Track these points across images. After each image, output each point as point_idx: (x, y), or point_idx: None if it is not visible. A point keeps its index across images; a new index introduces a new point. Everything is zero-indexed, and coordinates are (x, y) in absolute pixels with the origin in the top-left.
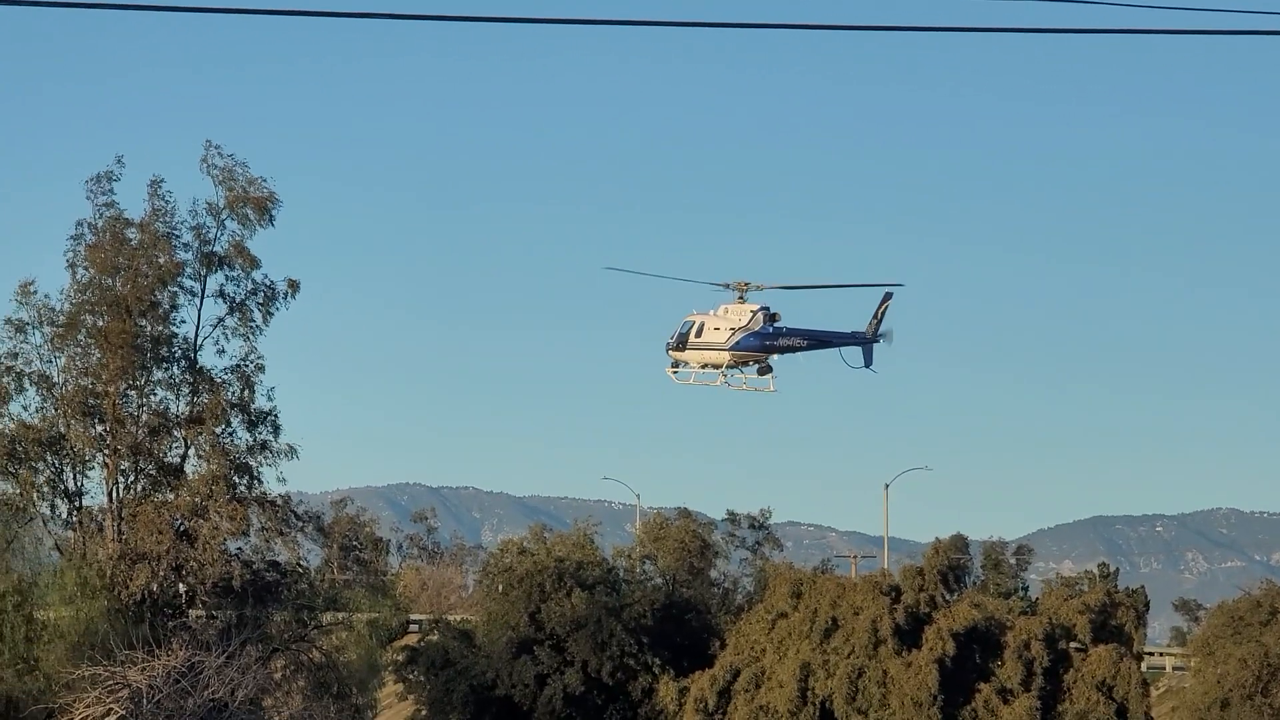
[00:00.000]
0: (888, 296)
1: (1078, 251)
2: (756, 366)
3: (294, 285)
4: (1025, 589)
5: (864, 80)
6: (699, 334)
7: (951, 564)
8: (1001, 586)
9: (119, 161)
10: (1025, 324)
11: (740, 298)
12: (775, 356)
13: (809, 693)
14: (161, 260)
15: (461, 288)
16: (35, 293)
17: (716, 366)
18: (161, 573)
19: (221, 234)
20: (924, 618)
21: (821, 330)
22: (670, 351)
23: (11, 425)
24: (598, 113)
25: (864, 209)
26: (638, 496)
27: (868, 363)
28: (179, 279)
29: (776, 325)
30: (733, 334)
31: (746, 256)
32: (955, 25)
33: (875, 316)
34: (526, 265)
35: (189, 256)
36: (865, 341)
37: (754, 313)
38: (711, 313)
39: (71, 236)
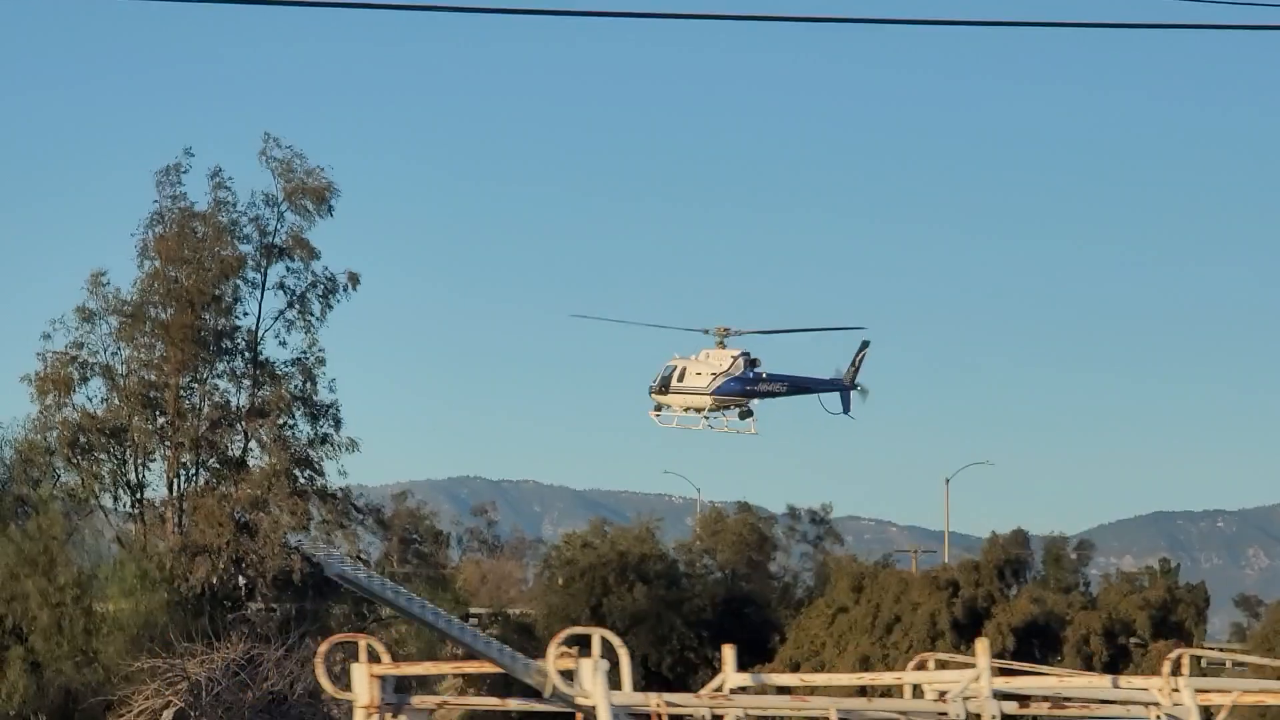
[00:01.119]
0: (864, 345)
1: (1142, 241)
2: (738, 410)
3: (354, 278)
4: (1086, 584)
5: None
6: (681, 378)
7: (1010, 558)
8: (1062, 581)
9: (187, 153)
10: (1087, 318)
11: (721, 343)
12: (756, 401)
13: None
14: (225, 253)
15: (523, 280)
16: (106, 283)
17: (699, 410)
18: (222, 565)
19: (281, 225)
20: (983, 612)
21: (801, 376)
22: (653, 395)
23: (76, 415)
24: (667, 104)
25: (906, 196)
26: (698, 490)
27: (845, 409)
28: (241, 273)
29: (757, 370)
30: (714, 379)
31: (732, 298)
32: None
33: (853, 364)
34: (589, 256)
35: (249, 249)
36: (843, 388)
37: (735, 358)
38: (693, 357)
39: (144, 226)
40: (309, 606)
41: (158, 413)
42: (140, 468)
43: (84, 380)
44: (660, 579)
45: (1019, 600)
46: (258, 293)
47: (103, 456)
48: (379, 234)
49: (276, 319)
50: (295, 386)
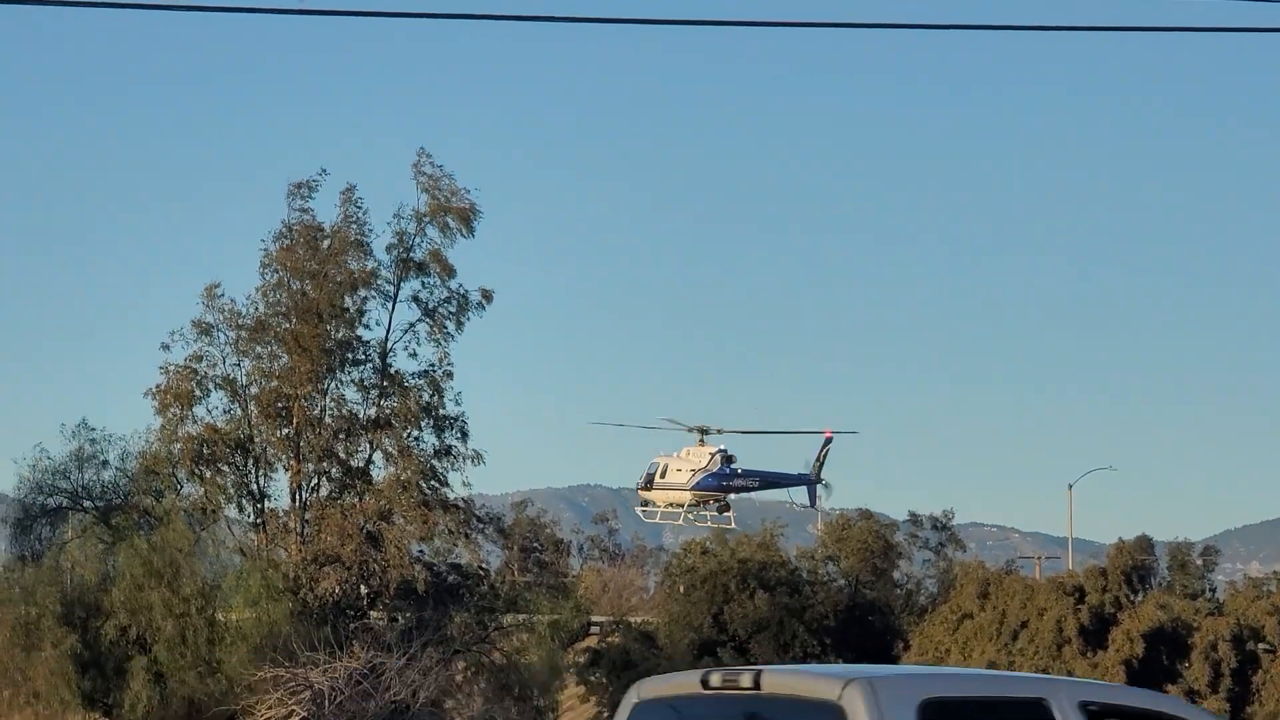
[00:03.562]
0: (828, 441)
1: (1257, 240)
2: (716, 505)
3: (488, 295)
4: (1212, 590)
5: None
6: (663, 475)
7: (1136, 564)
8: (1188, 588)
9: (322, 172)
10: (1209, 320)
11: (700, 440)
12: (732, 496)
13: None
14: (353, 266)
15: (641, 292)
16: (221, 295)
17: (679, 505)
18: (347, 576)
19: (422, 241)
20: (1109, 618)
21: (771, 472)
22: (640, 491)
23: (197, 429)
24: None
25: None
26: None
27: (811, 502)
28: (371, 285)
29: (733, 467)
30: (694, 474)
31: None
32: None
33: (818, 460)
34: (699, 273)
35: (378, 262)
36: (810, 482)
37: (712, 455)
38: (675, 455)
39: (273, 237)
40: (429, 615)
41: (283, 423)
42: (263, 478)
43: (205, 393)
44: (782, 586)
45: (1145, 607)
46: (388, 305)
47: (225, 468)
48: (513, 243)
49: (406, 331)
50: (422, 398)
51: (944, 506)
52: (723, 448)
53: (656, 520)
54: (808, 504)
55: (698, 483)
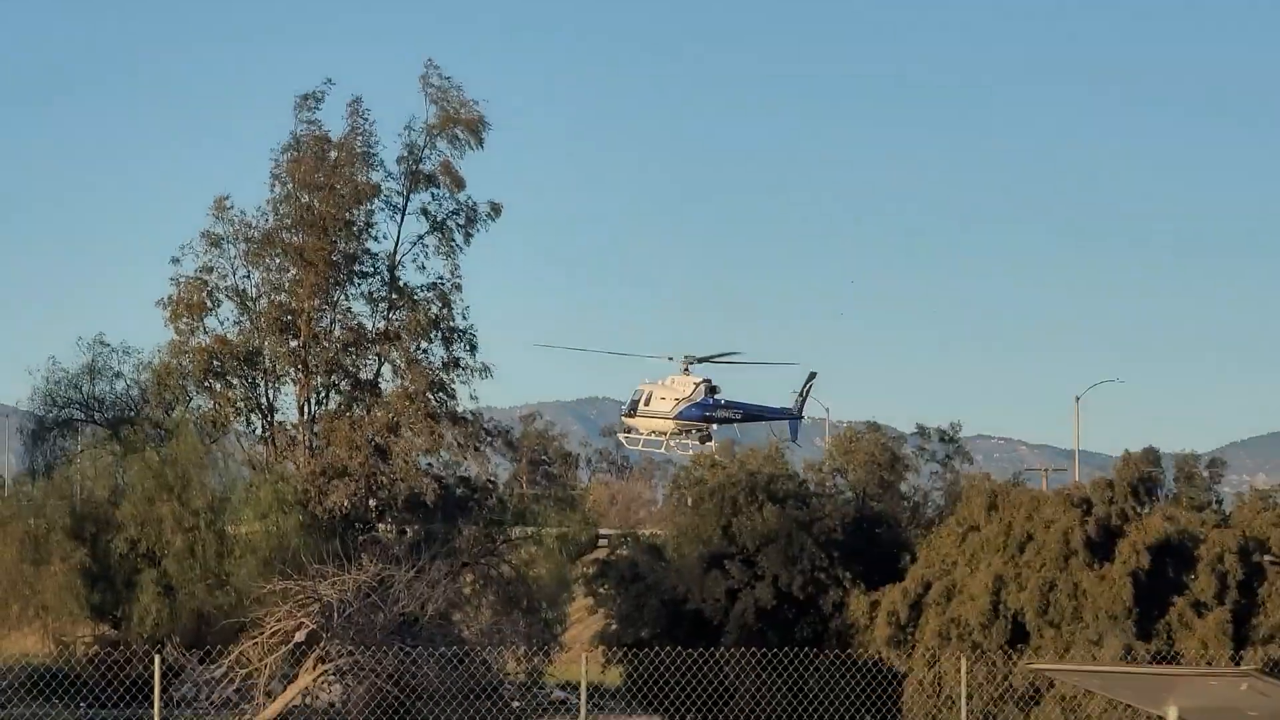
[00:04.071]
0: (812, 376)
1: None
2: (699, 435)
3: (496, 208)
4: (1219, 502)
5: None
6: (648, 403)
7: (1142, 477)
8: (1194, 500)
9: (328, 83)
10: (1218, 232)
11: (685, 370)
12: (715, 426)
13: (1001, 605)
14: (358, 179)
15: (650, 207)
16: (231, 207)
17: (662, 434)
18: (356, 489)
19: (432, 153)
20: (1116, 531)
21: (755, 405)
22: (624, 418)
23: (208, 340)
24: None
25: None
26: (827, 410)
27: (793, 437)
28: (377, 197)
29: (716, 398)
30: (678, 404)
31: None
32: None
33: (801, 394)
34: (715, 187)
35: (385, 174)
36: (793, 417)
37: (697, 385)
38: (659, 383)
39: (281, 149)
40: (438, 528)
41: (290, 336)
42: (272, 391)
43: (216, 305)
44: (790, 499)
45: (1152, 519)
46: (396, 217)
47: (235, 381)
48: (524, 157)
49: (415, 244)
50: (431, 311)
51: (951, 419)
52: (707, 378)
53: (639, 448)
54: (790, 439)
55: (681, 412)
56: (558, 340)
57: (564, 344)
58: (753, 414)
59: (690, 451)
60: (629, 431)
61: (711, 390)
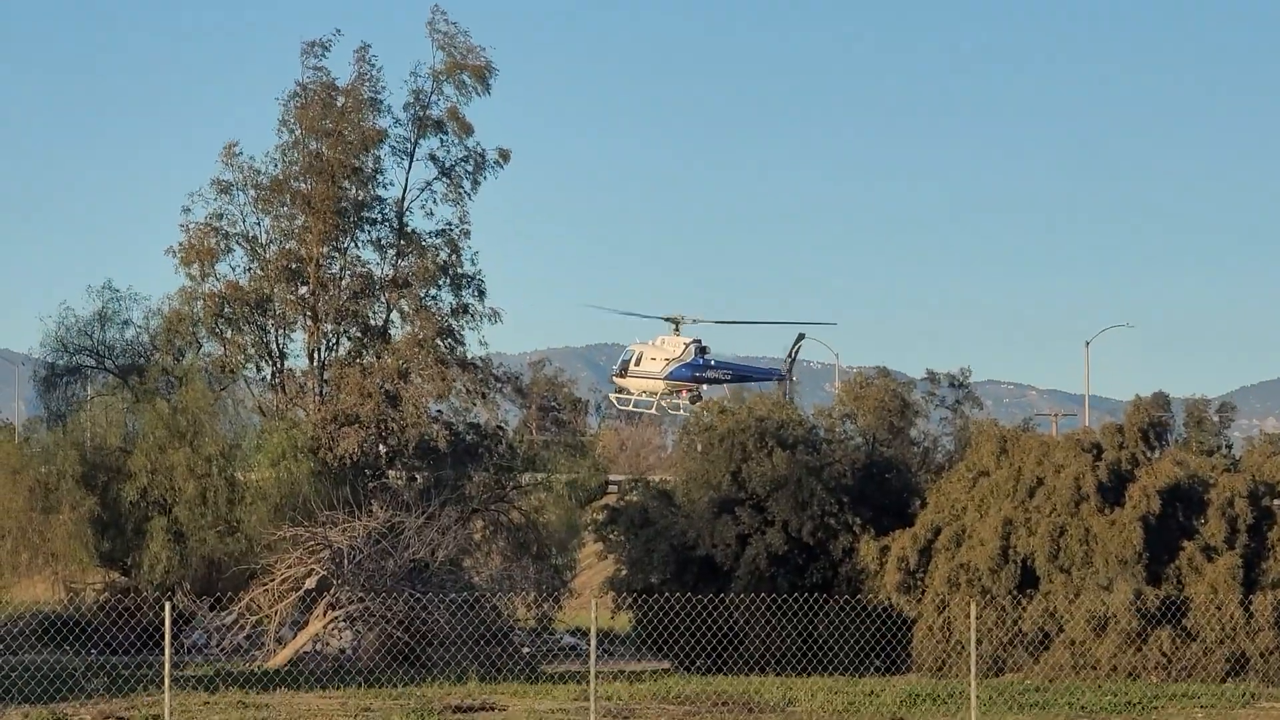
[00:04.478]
0: (801, 337)
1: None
2: (689, 395)
3: (504, 155)
4: (1228, 447)
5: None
6: (638, 363)
7: (1153, 421)
8: (1204, 444)
9: (336, 32)
10: (1224, 175)
11: (676, 330)
12: (705, 387)
13: (1010, 550)
14: (366, 125)
15: (660, 162)
16: (240, 154)
17: (653, 394)
18: (366, 435)
19: (439, 99)
20: (1126, 475)
21: (743, 366)
22: (614, 378)
23: (220, 286)
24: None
25: None
26: (837, 356)
27: (786, 399)
28: (385, 144)
29: (706, 358)
30: (667, 364)
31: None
32: None
33: (790, 356)
34: (724, 138)
35: (393, 121)
36: (781, 378)
37: (686, 345)
38: (650, 343)
39: (289, 95)
40: (448, 474)
41: (300, 283)
42: (282, 338)
43: (227, 251)
44: (800, 444)
45: (1162, 463)
46: (404, 164)
47: (245, 327)
48: (530, 104)
49: (423, 190)
50: (439, 258)
51: (961, 364)
52: (697, 339)
53: (630, 408)
54: (785, 400)
55: (671, 372)
56: (570, 289)
57: (582, 297)
58: (742, 375)
59: (682, 412)
60: (620, 392)
61: (701, 351)
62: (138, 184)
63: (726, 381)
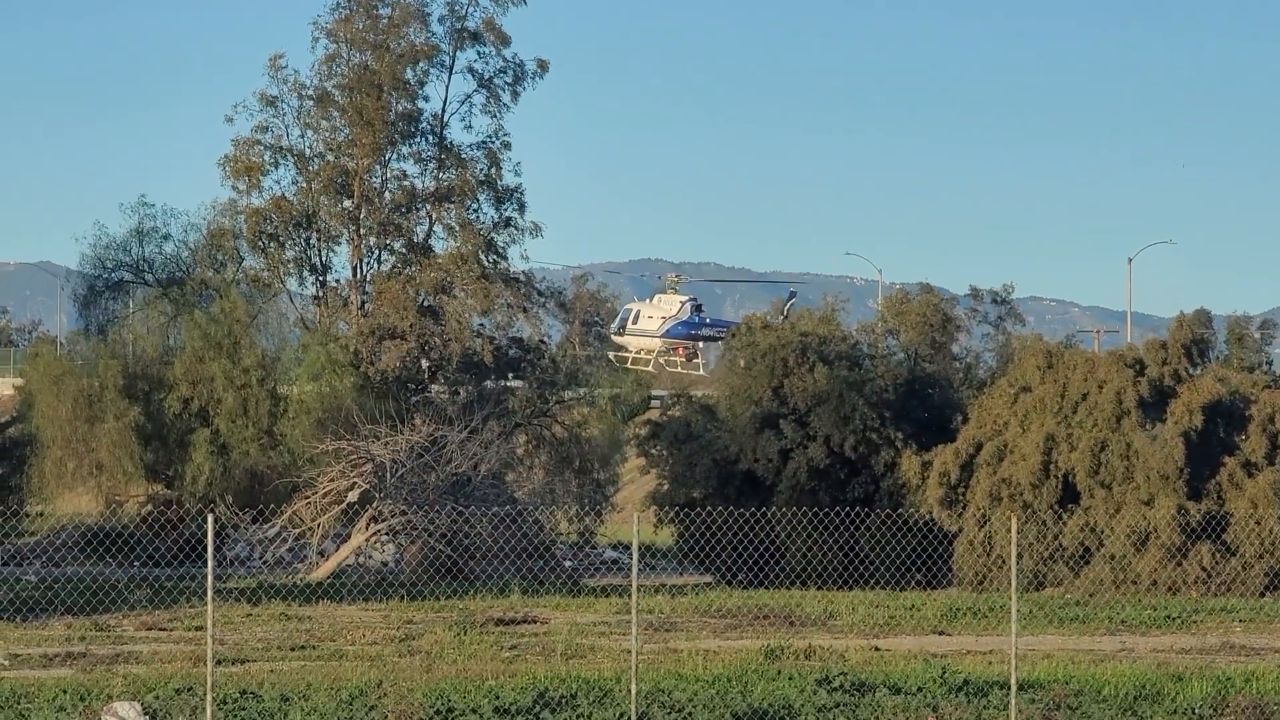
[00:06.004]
0: (792, 295)
1: None
2: (685, 353)
3: (543, 65)
4: (1269, 363)
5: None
6: (635, 321)
7: (1195, 338)
8: (1245, 361)
9: None
10: (1267, 91)
11: (672, 289)
12: (701, 345)
13: (1051, 466)
14: (411, 37)
15: (703, 74)
16: (285, 66)
17: (650, 351)
18: (408, 350)
19: (475, 10)
20: (1168, 391)
21: (738, 324)
22: (613, 336)
23: (263, 201)
24: None
25: None
26: (879, 272)
27: None
28: (434, 58)
29: (701, 316)
30: (664, 322)
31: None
32: None
33: (784, 314)
34: (767, 51)
35: (438, 32)
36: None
37: (683, 304)
38: (647, 301)
39: (330, 8)
40: (490, 389)
41: (344, 196)
42: (326, 252)
43: (275, 164)
44: (842, 360)
45: (1204, 379)
46: (444, 76)
47: (288, 241)
48: (573, 25)
49: (463, 103)
50: (480, 171)
51: (1004, 280)
52: (693, 297)
53: (629, 366)
54: None
55: (668, 330)
56: (612, 202)
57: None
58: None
59: (679, 368)
60: (619, 350)
61: (697, 309)
62: (168, 99)
63: (722, 339)
